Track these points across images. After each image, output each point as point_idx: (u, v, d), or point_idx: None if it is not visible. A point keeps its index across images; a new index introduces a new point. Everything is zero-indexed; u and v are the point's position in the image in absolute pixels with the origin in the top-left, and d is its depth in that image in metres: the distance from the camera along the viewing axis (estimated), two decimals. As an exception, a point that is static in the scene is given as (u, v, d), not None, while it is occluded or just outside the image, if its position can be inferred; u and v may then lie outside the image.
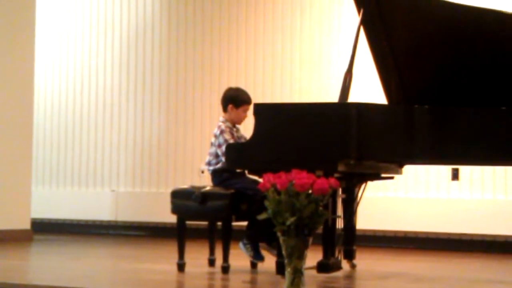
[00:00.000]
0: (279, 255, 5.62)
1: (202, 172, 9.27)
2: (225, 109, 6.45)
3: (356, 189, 6.43)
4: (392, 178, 6.67)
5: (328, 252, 5.88)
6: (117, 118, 10.38)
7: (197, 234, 6.81)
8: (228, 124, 6.39)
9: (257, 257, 6.33)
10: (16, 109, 9.26)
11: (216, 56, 9.80)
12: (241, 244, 6.32)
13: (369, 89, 8.05)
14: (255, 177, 6.04)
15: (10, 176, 9.15)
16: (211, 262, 6.43)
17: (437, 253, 8.22)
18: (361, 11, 6.09)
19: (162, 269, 6.58)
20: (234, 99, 6.43)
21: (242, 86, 7.06)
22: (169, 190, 6.41)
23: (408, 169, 6.84)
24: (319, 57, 9.26)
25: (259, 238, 6.28)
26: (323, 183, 4.95)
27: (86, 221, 10.44)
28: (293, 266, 4.97)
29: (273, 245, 6.09)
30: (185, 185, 6.56)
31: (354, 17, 6.21)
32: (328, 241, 5.88)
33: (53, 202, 10.57)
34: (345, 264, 6.29)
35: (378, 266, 7.14)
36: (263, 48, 9.56)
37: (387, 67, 6.29)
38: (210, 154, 6.37)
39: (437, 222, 8.56)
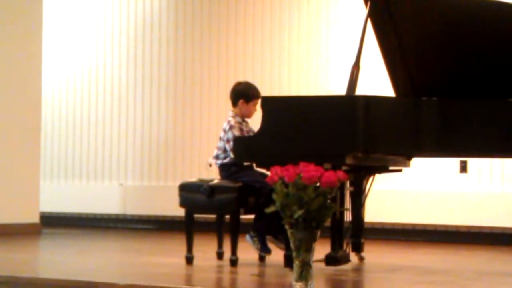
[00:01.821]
0: (287, 248, 5.62)
1: (210, 165, 9.28)
2: (235, 103, 6.44)
3: (364, 182, 6.43)
4: (400, 170, 6.66)
5: (336, 245, 5.88)
6: (125, 112, 10.40)
7: (205, 227, 6.82)
8: (238, 118, 6.39)
9: (264, 249, 6.33)
10: (25, 104, 9.28)
11: (223, 50, 9.80)
12: (248, 237, 6.33)
13: (377, 82, 8.04)
14: (263, 170, 6.04)
15: (19, 170, 9.18)
16: (219, 255, 6.44)
17: (446, 245, 8.21)
18: (368, 4, 6.08)
19: (170, 262, 6.59)
20: (245, 94, 6.42)
21: (250, 79, 7.06)
22: (177, 184, 6.42)
23: (416, 161, 6.83)
24: (327, 50, 9.25)
25: (266, 231, 6.28)
26: (331, 176, 4.94)
27: (95, 214, 10.46)
28: (301, 259, 4.97)
29: (280, 237, 6.09)
30: (193, 179, 6.56)
31: (363, 8, 6.19)
32: (336, 234, 5.88)
33: (62, 196, 10.60)
34: (353, 257, 6.29)
35: (386, 258, 7.14)
36: (270, 42, 9.55)
37: (394, 60, 6.28)
38: (219, 148, 6.37)
39: (446, 215, 8.56)
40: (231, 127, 6.30)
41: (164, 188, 9.93)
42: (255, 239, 6.32)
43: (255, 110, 6.43)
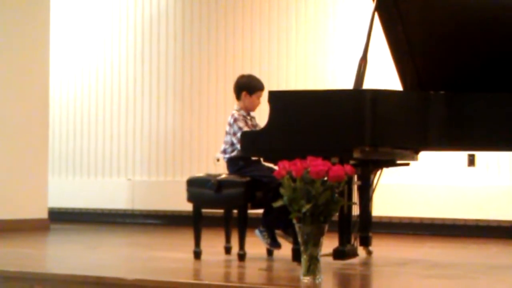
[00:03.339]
0: (295, 242, 5.63)
1: (218, 160, 9.28)
2: (238, 97, 6.45)
3: (372, 176, 6.43)
4: (407, 164, 6.65)
5: (344, 239, 5.88)
6: (133, 107, 10.40)
7: (213, 222, 6.83)
8: (242, 112, 6.39)
9: (273, 244, 6.33)
10: (33, 100, 9.29)
11: (231, 44, 9.80)
12: (257, 232, 6.33)
13: (384, 76, 8.03)
14: (271, 165, 6.04)
15: (27, 166, 9.20)
16: (227, 250, 6.44)
17: (454, 239, 8.21)
18: (376, -3, 6.08)
19: (178, 257, 6.60)
20: (247, 86, 6.42)
21: (257, 74, 7.05)
22: (185, 179, 6.43)
23: (423, 155, 6.82)
24: (333, 43, 9.24)
25: (275, 225, 6.29)
26: (339, 170, 4.95)
27: (103, 210, 10.48)
28: (309, 253, 4.98)
29: (289, 232, 6.09)
30: (200, 173, 6.57)
31: (370, 2, 6.18)
32: (344, 228, 5.88)
33: (70, 191, 10.61)
34: (361, 251, 6.29)
35: (394, 252, 7.14)
36: (277, 36, 9.54)
37: (402, 53, 6.27)
38: (226, 143, 6.37)
39: (453, 209, 8.55)
40: (235, 120, 6.31)
41: (172, 183, 9.94)
42: (265, 233, 6.32)
43: (259, 102, 6.43)
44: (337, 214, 5.40)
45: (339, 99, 5.78)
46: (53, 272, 5.65)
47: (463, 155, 8.58)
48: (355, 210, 6.17)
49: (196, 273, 5.89)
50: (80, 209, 10.59)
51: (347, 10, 9.18)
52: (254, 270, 5.82)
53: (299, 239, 5.03)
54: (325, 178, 4.95)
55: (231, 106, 6.76)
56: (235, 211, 6.24)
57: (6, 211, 8.95)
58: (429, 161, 8.53)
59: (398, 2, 6.07)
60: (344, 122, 5.67)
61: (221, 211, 6.39)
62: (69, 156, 10.80)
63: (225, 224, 6.42)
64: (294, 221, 5.03)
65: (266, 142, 5.86)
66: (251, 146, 5.93)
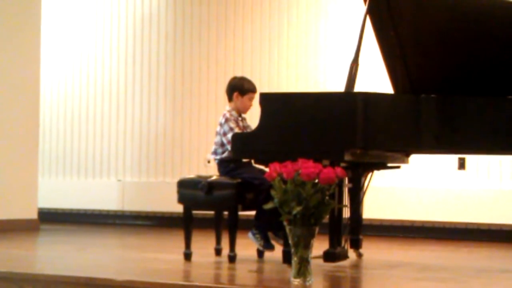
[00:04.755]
0: (286, 244, 5.63)
1: (208, 161, 9.29)
2: (230, 98, 6.46)
3: (363, 179, 6.43)
4: (398, 167, 6.67)
5: (335, 241, 5.88)
6: (124, 108, 10.39)
7: (203, 224, 6.83)
8: (234, 113, 6.39)
9: (267, 246, 6.33)
10: (23, 100, 9.27)
11: (222, 46, 9.80)
12: (250, 234, 6.33)
13: (376, 79, 8.04)
14: (262, 167, 6.04)
15: (17, 166, 9.17)
16: (218, 252, 6.44)
17: (444, 242, 8.22)
18: (368, 0, 6.07)
19: (168, 258, 6.59)
20: (239, 88, 6.43)
21: (248, 75, 7.07)
22: (176, 180, 6.42)
23: (414, 158, 6.83)
24: (325, 46, 9.24)
25: (268, 227, 6.28)
26: (330, 172, 4.95)
27: (93, 211, 10.46)
28: (300, 255, 4.98)
29: (280, 234, 6.09)
30: (191, 175, 6.56)
31: (362, 4, 6.18)
32: (335, 231, 5.88)
33: (60, 192, 10.59)
34: (351, 253, 6.30)
35: (384, 255, 7.14)
36: (269, 38, 9.54)
37: (393, 56, 6.27)
38: (216, 144, 6.37)
39: (444, 212, 8.56)
40: (226, 120, 6.31)
41: (163, 185, 9.93)
42: (258, 235, 6.31)
43: (251, 105, 6.43)
44: (327, 216, 5.41)
45: (330, 102, 5.78)
46: (43, 273, 5.63)
47: (453, 159, 8.60)
48: (346, 213, 6.17)
49: (186, 275, 5.88)
50: (70, 209, 10.56)
51: (339, 12, 9.19)
52: (244, 272, 5.82)
53: (290, 241, 5.03)
54: (316, 181, 4.95)
55: (223, 107, 6.76)
56: (225, 212, 6.24)
57: (-4, 211, 8.94)
58: (420, 164, 8.55)
59: (391, 5, 6.08)
60: (335, 125, 5.67)
61: (212, 212, 6.39)
62: (59, 156, 10.78)
63: (216, 225, 6.42)
64: (285, 223, 5.03)
65: (257, 144, 5.86)
66: (242, 147, 5.93)
